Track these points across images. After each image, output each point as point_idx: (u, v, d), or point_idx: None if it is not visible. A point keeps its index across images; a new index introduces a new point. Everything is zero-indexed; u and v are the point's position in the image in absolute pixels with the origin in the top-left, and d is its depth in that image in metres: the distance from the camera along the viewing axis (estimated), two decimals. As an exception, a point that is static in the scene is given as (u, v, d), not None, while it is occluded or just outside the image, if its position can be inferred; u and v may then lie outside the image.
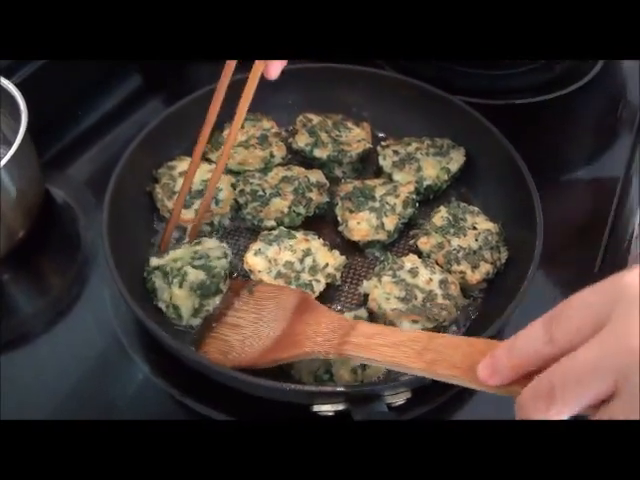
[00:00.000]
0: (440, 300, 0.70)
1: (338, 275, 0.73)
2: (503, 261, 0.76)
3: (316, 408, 0.60)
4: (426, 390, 0.63)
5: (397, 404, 0.61)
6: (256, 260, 0.73)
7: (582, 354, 0.35)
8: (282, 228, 0.76)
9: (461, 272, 0.73)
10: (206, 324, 0.68)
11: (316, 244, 0.75)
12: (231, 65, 0.71)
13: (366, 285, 0.72)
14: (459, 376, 0.46)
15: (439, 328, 0.69)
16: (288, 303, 0.64)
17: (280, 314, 0.64)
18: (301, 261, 0.73)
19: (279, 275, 0.72)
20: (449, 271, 0.74)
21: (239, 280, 0.73)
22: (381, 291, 0.71)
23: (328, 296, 0.73)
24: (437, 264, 0.74)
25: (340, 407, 0.60)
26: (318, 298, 0.71)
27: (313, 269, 0.72)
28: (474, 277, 0.73)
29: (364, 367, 0.65)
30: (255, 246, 0.75)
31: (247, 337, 0.64)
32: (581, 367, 0.35)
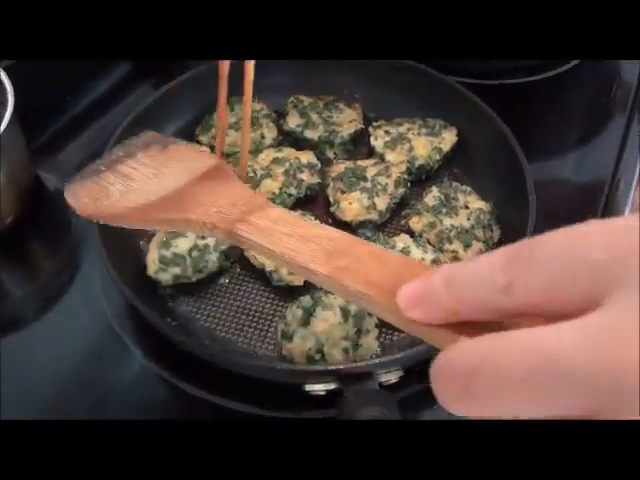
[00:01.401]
0: None
1: None
2: (495, 240, 0.75)
3: (308, 387, 0.60)
4: (419, 368, 0.63)
5: (390, 382, 0.61)
6: None
7: (553, 342, 0.22)
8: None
9: (453, 251, 0.73)
10: (92, 167, 0.57)
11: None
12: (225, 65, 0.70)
13: None
14: (372, 296, 0.33)
15: None
16: (198, 166, 0.52)
17: (183, 176, 0.51)
18: None
19: None
20: (441, 250, 0.73)
21: (155, 135, 0.61)
22: None
23: None
24: (429, 243, 0.74)
25: (332, 386, 0.60)
26: None
27: None
28: (466, 256, 0.73)
29: (356, 346, 0.65)
30: None
31: (131, 190, 0.52)
32: (546, 368, 0.22)
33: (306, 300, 0.68)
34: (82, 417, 0.65)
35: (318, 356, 0.64)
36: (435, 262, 0.71)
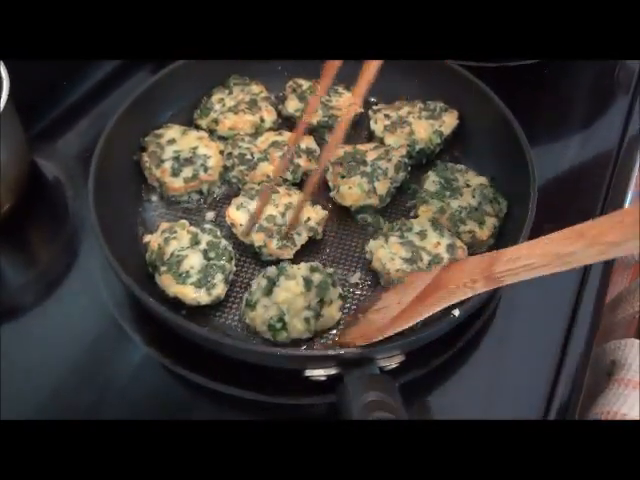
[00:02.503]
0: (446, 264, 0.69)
1: (320, 229, 0.73)
2: (505, 211, 0.75)
3: (308, 373, 0.60)
4: (420, 353, 0.63)
5: (390, 367, 0.61)
6: (238, 214, 0.73)
7: None
8: (265, 183, 0.75)
9: (470, 231, 0.73)
10: (352, 317, 0.66)
11: (298, 198, 0.74)
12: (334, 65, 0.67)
13: (372, 244, 0.72)
14: None
15: None
16: (429, 275, 0.60)
17: (421, 284, 0.59)
18: (283, 215, 0.72)
19: (261, 229, 0.71)
20: (457, 232, 0.73)
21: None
22: (387, 251, 0.70)
23: (310, 250, 0.73)
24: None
25: (332, 371, 0.59)
26: (300, 251, 0.71)
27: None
28: (484, 233, 0.73)
29: (317, 317, 0.66)
30: (237, 200, 0.74)
31: (389, 309, 0.61)
32: None
33: (271, 270, 0.68)
34: (83, 405, 0.65)
35: (279, 325, 0.64)
36: (451, 247, 0.71)
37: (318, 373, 0.60)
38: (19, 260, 0.79)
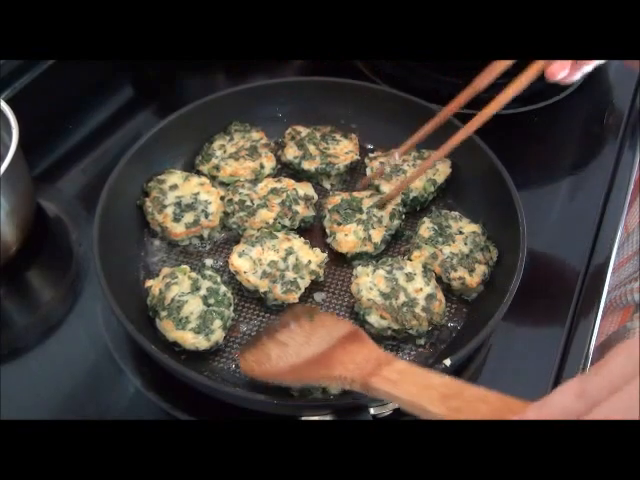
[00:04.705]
0: (418, 310, 0.71)
1: (321, 272, 0.75)
2: (495, 259, 0.77)
3: (304, 419, 0.62)
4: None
5: (383, 415, 0.62)
6: (241, 261, 0.75)
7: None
8: (264, 229, 0.78)
9: (460, 278, 0.75)
10: (257, 336, 0.69)
11: (297, 243, 0.77)
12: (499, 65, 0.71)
13: (359, 270, 0.75)
14: None
15: (402, 333, 0.71)
16: (338, 331, 0.63)
17: (327, 340, 0.63)
18: (284, 260, 0.75)
19: (265, 275, 0.73)
20: (448, 278, 0.75)
21: (302, 306, 0.74)
22: (369, 279, 0.73)
23: (312, 290, 0.76)
24: (435, 274, 0.76)
25: (327, 418, 0.61)
26: (304, 293, 0.74)
27: (297, 267, 0.74)
28: (473, 281, 0.75)
29: None
30: (239, 248, 0.76)
31: (287, 354, 0.64)
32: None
33: None
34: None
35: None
36: (430, 297, 0.73)
37: (313, 420, 0.62)
38: (23, 301, 0.81)
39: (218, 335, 0.70)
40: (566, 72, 0.68)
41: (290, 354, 0.64)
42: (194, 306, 0.70)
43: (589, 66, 0.70)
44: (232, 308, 0.72)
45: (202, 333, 0.69)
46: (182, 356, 0.70)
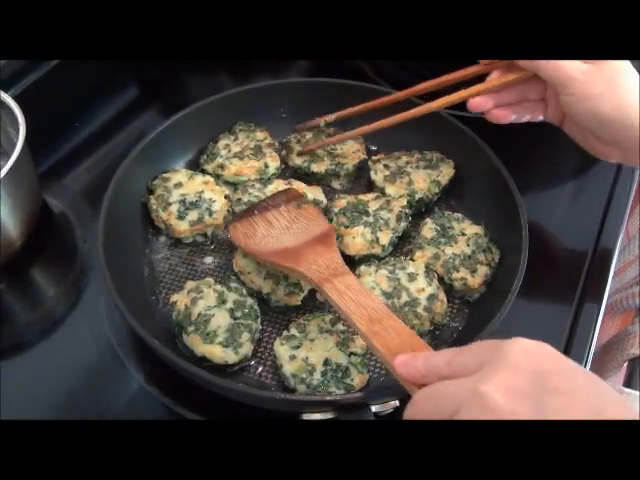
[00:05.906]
0: (420, 310, 0.72)
1: None
2: (497, 261, 0.78)
3: (305, 417, 0.62)
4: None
5: (385, 413, 0.62)
6: (245, 261, 0.75)
7: (454, 382, 0.46)
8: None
9: (462, 278, 0.75)
10: (250, 208, 0.77)
11: None
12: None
13: (363, 269, 0.75)
14: (383, 353, 0.54)
15: None
16: (314, 229, 0.73)
17: (303, 233, 0.72)
18: None
19: (268, 275, 0.74)
20: (450, 279, 0.76)
21: (296, 191, 0.80)
22: (371, 278, 0.74)
23: (316, 290, 0.75)
24: (437, 274, 0.76)
25: (329, 415, 0.61)
26: (305, 296, 0.74)
27: None
28: (475, 281, 0.75)
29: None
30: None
31: (270, 236, 0.73)
32: (447, 391, 0.46)
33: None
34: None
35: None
36: (432, 297, 0.73)
37: (315, 417, 0.62)
38: (27, 296, 0.81)
39: (247, 348, 0.69)
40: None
41: (272, 236, 0.73)
42: (221, 320, 0.69)
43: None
44: (259, 320, 0.72)
45: (230, 347, 0.68)
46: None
